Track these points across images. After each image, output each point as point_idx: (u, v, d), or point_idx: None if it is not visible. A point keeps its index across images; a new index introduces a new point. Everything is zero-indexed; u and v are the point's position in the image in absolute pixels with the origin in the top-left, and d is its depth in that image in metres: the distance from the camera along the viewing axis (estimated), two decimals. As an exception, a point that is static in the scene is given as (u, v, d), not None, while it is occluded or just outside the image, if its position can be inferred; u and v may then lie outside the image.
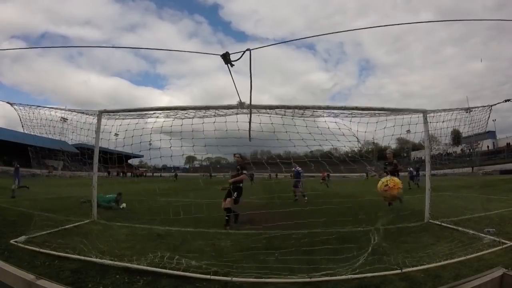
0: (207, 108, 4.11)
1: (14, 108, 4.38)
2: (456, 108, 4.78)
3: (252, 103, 3.47)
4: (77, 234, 4.06)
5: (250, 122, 2.95)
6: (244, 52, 1.79)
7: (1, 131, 43.18)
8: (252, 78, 2.09)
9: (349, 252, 3.29)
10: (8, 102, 4.27)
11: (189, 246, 3.89)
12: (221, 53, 1.78)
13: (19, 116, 4.42)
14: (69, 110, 4.89)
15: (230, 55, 1.80)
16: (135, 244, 3.86)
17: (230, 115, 3.59)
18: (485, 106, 4.25)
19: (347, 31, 1.78)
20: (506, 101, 3.99)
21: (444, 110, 4.94)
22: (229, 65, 1.85)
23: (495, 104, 4.15)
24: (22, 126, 4.42)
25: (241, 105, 3.19)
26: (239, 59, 1.81)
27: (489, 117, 4.21)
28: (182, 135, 4.10)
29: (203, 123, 3.74)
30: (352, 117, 4.49)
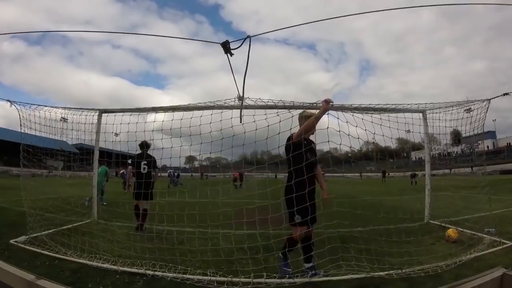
0: (206, 108, 4.10)
1: (15, 106, 4.36)
2: (455, 103, 4.74)
3: (252, 102, 3.47)
4: (77, 234, 4.05)
5: (241, 109, 2.95)
6: (244, 39, 1.76)
7: (1, 131, 43.18)
8: (248, 67, 2.08)
9: (349, 252, 3.29)
10: (8, 100, 4.26)
11: (189, 246, 3.89)
12: (221, 42, 1.77)
13: (19, 115, 4.40)
14: (69, 108, 4.87)
15: (230, 43, 1.78)
16: (135, 244, 3.86)
17: (229, 109, 3.56)
18: (483, 100, 4.23)
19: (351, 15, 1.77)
20: (504, 94, 3.97)
21: (444, 106, 4.91)
22: (228, 54, 1.82)
23: (494, 98, 4.13)
24: (20, 126, 4.40)
25: (240, 98, 3.17)
26: (239, 47, 1.79)
27: (487, 111, 4.19)
28: (182, 134, 4.08)
29: (207, 120, 3.66)
30: (353, 115, 4.47)
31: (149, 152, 5.24)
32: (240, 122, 3.05)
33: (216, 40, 1.85)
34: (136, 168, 5.16)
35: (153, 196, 5.01)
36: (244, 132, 3.20)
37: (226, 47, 1.77)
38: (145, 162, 5.14)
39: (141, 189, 4.67)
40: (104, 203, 8.30)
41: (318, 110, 2.97)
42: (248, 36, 1.76)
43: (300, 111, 3.35)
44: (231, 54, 1.82)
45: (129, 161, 5.43)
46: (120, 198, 8.12)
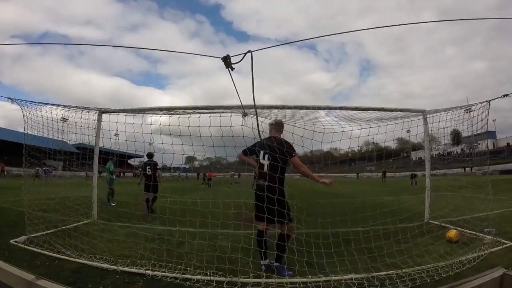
0: (207, 108, 4.10)
1: (17, 104, 4.34)
2: (455, 107, 4.75)
3: (251, 103, 3.47)
4: (77, 234, 4.05)
5: (258, 124, 2.96)
6: (245, 54, 1.73)
7: (1, 131, 43.15)
8: (254, 80, 2.04)
9: (349, 252, 3.29)
10: (9, 98, 4.24)
11: (189, 246, 3.89)
12: (222, 56, 1.73)
13: (23, 113, 4.36)
14: (69, 106, 4.86)
15: (231, 58, 1.74)
16: (135, 244, 3.86)
17: (234, 114, 3.57)
18: (483, 102, 4.22)
19: (352, 31, 1.76)
20: (504, 96, 3.96)
21: (444, 110, 4.92)
22: (229, 68, 1.79)
23: (494, 99, 4.12)
24: (24, 124, 4.36)
25: (245, 114, 3.21)
26: (240, 61, 1.75)
27: (488, 113, 4.18)
28: (182, 134, 4.08)
29: (208, 123, 3.67)
30: (352, 118, 4.49)
31: (154, 153, 7.11)
32: (260, 138, 3.06)
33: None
34: (143, 171, 7.57)
35: (157, 190, 7.29)
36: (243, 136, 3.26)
37: (227, 62, 1.73)
38: (149, 166, 7.43)
39: (149, 184, 7.11)
40: (113, 204, 8.35)
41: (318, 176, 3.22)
42: (249, 51, 1.72)
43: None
44: (232, 69, 1.79)
45: (136, 164, 8.12)
46: (121, 197, 8.17)
